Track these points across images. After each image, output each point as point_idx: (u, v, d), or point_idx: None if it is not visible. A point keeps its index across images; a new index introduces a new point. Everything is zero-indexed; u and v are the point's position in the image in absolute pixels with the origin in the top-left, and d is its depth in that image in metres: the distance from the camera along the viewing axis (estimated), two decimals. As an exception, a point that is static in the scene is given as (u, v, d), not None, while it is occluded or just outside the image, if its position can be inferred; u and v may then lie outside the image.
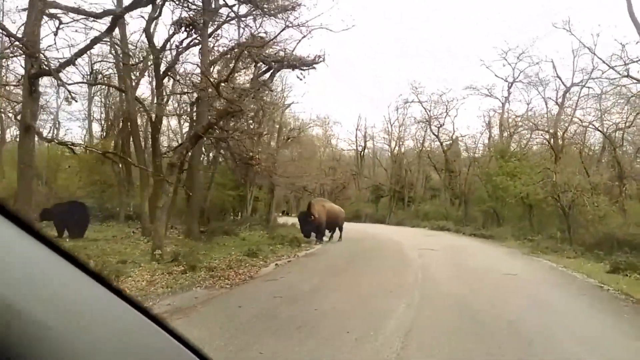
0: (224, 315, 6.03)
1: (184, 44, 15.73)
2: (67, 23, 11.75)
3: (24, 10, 11.16)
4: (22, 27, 10.75)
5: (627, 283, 9.06)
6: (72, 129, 66.95)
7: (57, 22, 11.43)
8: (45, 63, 10.69)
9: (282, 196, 33.15)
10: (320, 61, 13.53)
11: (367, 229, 23.81)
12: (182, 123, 23.07)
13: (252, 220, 20.88)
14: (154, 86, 19.16)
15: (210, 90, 11.48)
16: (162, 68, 16.56)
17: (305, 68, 13.83)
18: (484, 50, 56.96)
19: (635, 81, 17.77)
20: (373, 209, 36.39)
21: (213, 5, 14.44)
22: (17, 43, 10.67)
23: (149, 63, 17.63)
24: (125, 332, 0.84)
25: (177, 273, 8.61)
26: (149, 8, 14.72)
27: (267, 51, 13.89)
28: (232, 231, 16.58)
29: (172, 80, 18.29)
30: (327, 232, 17.44)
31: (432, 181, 36.86)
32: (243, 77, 16.75)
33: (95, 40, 11.88)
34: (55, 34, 11.40)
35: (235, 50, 13.87)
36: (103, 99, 24.13)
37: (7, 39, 11.05)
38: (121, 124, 21.40)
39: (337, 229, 17.94)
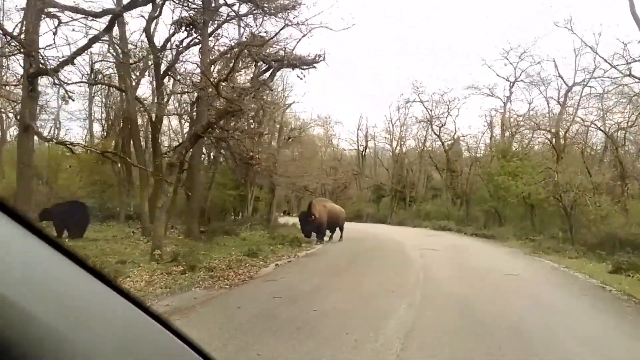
0: (223, 315, 5.99)
1: (184, 44, 15.71)
2: (66, 22, 11.74)
3: (22, 9, 11.16)
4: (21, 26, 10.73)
5: (630, 283, 9.00)
6: (72, 128, 66.95)
7: (55, 21, 11.42)
8: (44, 62, 10.65)
9: (283, 196, 33.13)
10: (321, 60, 13.51)
11: (369, 229, 23.74)
12: (182, 123, 23.07)
13: (252, 220, 20.82)
14: (154, 86, 19.11)
15: (209, 89, 11.45)
16: (163, 68, 16.54)
17: (305, 67, 13.80)
18: (484, 48, 57.07)
19: (637, 80, 17.65)
20: (374, 208, 36.30)
21: (213, 5, 14.41)
22: (14, 42, 10.63)
23: (149, 63, 17.61)
24: (127, 330, 0.83)
25: (177, 273, 8.57)
26: (149, 7, 14.71)
27: (267, 50, 13.85)
28: (232, 231, 16.51)
29: (172, 79, 18.26)
30: (327, 232, 17.41)
31: (434, 181, 36.80)
32: (243, 77, 16.76)
33: (93, 39, 11.86)
34: (54, 32, 11.38)
35: (235, 49, 13.83)
36: (103, 99, 24.13)
37: (5, 37, 10.98)
38: (122, 123, 21.38)
39: (337, 229, 17.91)
